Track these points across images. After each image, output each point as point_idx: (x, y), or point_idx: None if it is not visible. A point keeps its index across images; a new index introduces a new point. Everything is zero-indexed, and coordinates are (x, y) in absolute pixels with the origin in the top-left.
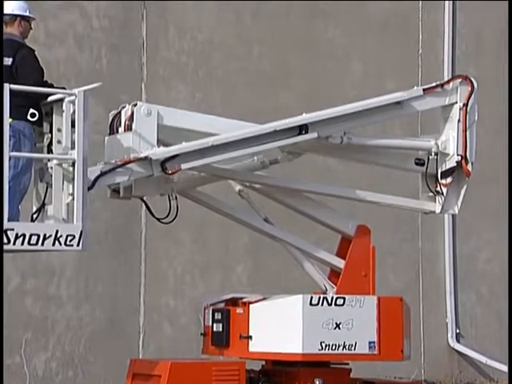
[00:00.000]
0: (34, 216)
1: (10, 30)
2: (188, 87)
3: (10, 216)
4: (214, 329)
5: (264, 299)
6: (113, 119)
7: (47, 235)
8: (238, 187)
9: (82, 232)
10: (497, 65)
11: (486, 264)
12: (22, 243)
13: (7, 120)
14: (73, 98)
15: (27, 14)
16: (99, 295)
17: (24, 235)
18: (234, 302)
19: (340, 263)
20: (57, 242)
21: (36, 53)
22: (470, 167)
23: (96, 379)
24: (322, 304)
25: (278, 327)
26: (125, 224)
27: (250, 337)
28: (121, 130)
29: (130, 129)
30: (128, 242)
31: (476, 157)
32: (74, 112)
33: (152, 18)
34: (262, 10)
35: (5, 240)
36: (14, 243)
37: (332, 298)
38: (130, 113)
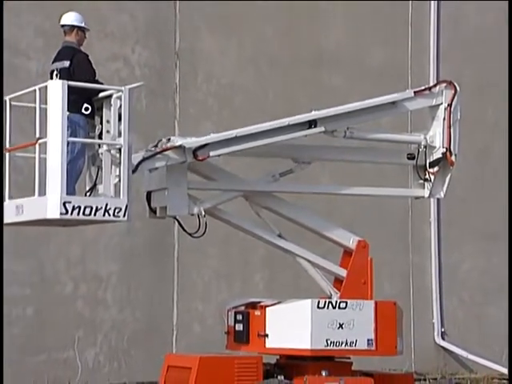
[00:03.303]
0: (87, 194)
1: (69, 38)
2: (214, 124)
3: (68, 192)
4: (236, 328)
5: (278, 303)
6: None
7: (99, 207)
8: (255, 208)
9: (127, 205)
10: (474, 108)
11: (467, 274)
12: (78, 213)
13: (65, 113)
14: (120, 94)
15: (83, 25)
16: (139, 300)
17: (79, 207)
18: (252, 305)
19: (343, 272)
20: (106, 214)
21: (89, 57)
22: (453, 158)
23: (137, 370)
24: (328, 307)
25: (290, 327)
26: (161, 240)
27: (267, 335)
28: None
29: None
30: (163, 255)
31: (459, 149)
32: (120, 107)
33: (184, 67)
34: (276, 60)
35: (63, 210)
36: (72, 213)
37: (336, 302)
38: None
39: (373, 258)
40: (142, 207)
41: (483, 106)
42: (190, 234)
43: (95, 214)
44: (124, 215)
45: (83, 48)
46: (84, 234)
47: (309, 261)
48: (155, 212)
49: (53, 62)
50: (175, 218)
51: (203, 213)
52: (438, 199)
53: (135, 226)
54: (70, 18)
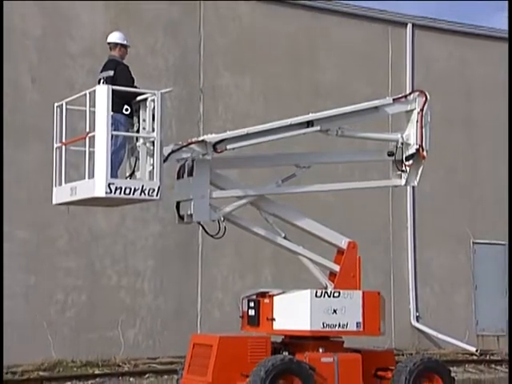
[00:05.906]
0: (127, 179)
1: (113, 53)
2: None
3: (112, 176)
4: (249, 313)
5: (283, 293)
6: (180, 168)
7: (137, 188)
8: (264, 214)
9: (159, 187)
10: (442, 134)
11: (437, 268)
12: (120, 193)
13: (110, 112)
14: (154, 97)
15: (125, 42)
16: (170, 290)
17: (121, 187)
18: (262, 294)
19: (336, 268)
20: (143, 194)
21: (129, 68)
22: (425, 153)
23: (168, 347)
24: (324, 296)
25: (294, 312)
26: (187, 241)
27: (274, 319)
28: (185, 175)
29: (192, 174)
30: (189, 253)
31: (430, 146)
32: (153, 108)
33: (207, 99)
34: (282, 93)
35: (108, 190)
36: (115, 193)
37: (331, 291)
38: (191, 164)
39: (361, 256)
40: (172, 214)
41: (449, 133)
42: (211, 236)
43: (134, 194)
44: (157, 195)
45: (125, 61)
46: (125, 236)
47: (309, 258)
48: (183, 218)
49: (100, 72)
50: (199, 223)
51: (222, 218)
52: (414, 210)
53: (167, 229)
54: (115, 37)
